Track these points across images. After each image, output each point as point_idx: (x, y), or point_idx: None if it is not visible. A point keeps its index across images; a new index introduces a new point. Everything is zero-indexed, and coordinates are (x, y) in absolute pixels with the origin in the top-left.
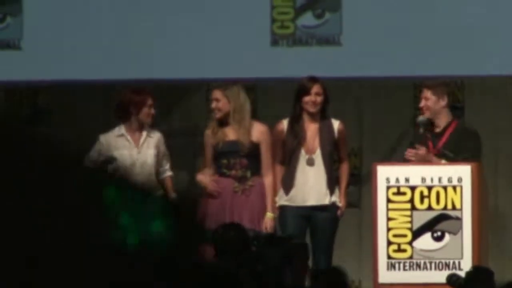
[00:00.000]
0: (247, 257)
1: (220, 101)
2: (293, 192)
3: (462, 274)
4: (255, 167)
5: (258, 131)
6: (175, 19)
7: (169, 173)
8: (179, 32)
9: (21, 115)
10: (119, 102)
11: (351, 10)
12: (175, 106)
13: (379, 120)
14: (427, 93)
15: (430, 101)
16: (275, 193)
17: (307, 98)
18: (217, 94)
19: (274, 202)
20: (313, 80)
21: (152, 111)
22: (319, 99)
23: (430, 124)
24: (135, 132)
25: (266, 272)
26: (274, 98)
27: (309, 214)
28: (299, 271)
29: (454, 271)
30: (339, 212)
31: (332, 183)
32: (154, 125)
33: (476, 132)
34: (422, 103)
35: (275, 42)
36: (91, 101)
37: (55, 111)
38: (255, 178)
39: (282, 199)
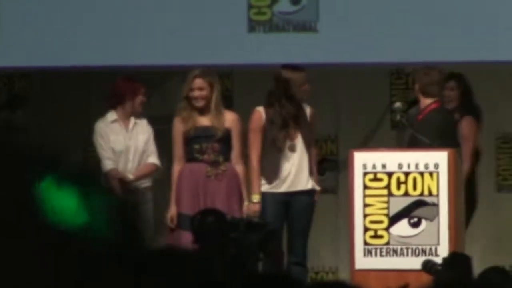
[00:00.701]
0: (226, 243)
1: (204, 90)
2: (277, 179)
3: (438, 260)
4: (227, 153)
5: (229, 119)
6: (152, 5)
7: (151, 159)
8: (155, 18)
9: None
10: (114, 88)
11: None
12: (152, 92)
13: (355, 107)
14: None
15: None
16: (255, 180)
17: (306, 87)
18: (200, 83)
19: (252, 188)
20: (303, 69)
21: (145, 99)
22: None
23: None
24: (125, 118)
25: (244, 258)
26: (252, 85)
27: (289, 199)
28: (273, 257)
29: (430, 257)
30: (316, 197)
31: (312, 167)
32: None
33: (435, 119)
34: None
35: (251, 28)
36: (69, 87)
37: (31, 97)
38: (227, 164)
39: (264, 186)
